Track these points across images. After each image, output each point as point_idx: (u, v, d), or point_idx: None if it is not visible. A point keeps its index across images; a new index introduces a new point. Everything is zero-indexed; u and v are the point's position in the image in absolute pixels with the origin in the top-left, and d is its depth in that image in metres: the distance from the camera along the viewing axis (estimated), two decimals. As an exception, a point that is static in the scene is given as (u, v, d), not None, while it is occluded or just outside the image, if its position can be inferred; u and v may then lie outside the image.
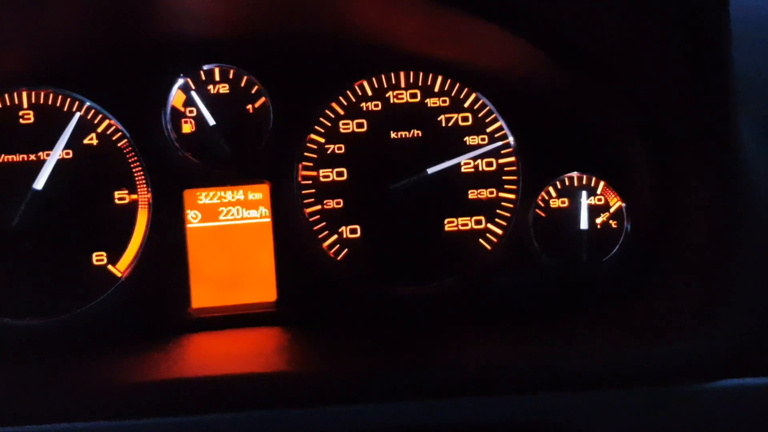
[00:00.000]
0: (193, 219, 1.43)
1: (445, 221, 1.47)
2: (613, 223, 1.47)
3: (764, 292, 1.18)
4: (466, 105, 1.47)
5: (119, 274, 1.41)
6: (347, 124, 1.46)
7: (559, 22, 1.30)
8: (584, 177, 1.47)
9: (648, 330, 1.29)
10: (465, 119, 1.47)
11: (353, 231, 1.46)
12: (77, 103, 1.40)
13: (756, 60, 1.34)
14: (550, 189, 1.47)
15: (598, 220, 1.47)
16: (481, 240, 1.47)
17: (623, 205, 1.46)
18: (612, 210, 1.47)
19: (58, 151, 1.38)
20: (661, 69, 1.27)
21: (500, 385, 1.18)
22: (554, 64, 1.40)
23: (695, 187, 1.28)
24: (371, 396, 1.17)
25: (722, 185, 1.22)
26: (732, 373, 1.21)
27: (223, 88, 1.42)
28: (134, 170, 1.41)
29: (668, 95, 1.29)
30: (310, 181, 1.45)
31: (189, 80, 1.42)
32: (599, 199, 1.47)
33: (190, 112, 1.42)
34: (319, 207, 1.45)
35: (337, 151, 1.46)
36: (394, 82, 1.46)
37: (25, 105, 1.39)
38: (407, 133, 1.46)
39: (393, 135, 1.46)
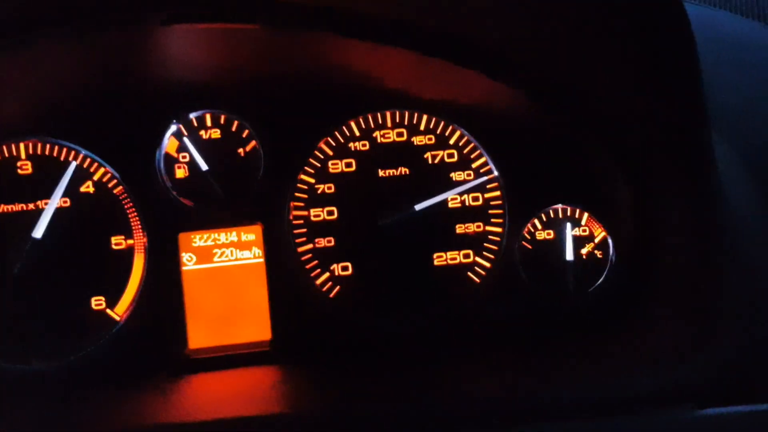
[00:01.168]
0: (188, 261, 1.47)
1: (434, 255, 1.50)
2: (598, 253, 1.50)
3: (748, 321, 1.21)
4: (451, 142, 1.51)
5: (118, 318, 1.44)
6: (336, 163, 1.50)
7: (536, 64, 1.35)
8: (568, 209, 1.51)
9: (635, 359, 1.31)
10: (451, 156, 1.51)
11: (345, 268, 1.50)
12: (73, 152, 1.45)
13: (727, 86, 1.38)
14: (536, 221, 1.51)
15: (584, 251, 1.50)
16: (469, 273, 1.51)
17: (607, 235, 1.50)
18: (597, 240, 1.50)
19: (56, 200, 1.42)
20: (637, 102, 1.31)
21: (494, 417, 1.21)
22: (534, 103, 1.44)
23: (676, 217, 1.31)
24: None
25: (702, 214, 1.25)
26: (718, 401, 1.23)
27: (215, 133, 1.47)
28: (130, 216, 1.45)
29: (646, 127, 1.33)
30: (302, 221, 1.49)
31: (181, 126, 1.46)
32: (584, 230, 1.51)
33: (183, 157, 1.46)
34: (310, 246, 1.49)
35: (327, 191, 1.50)
36: (380, 121, 1.51)
37: (23, 156, 1.44)
38: (395, 170, 1.50)
39: (381, 173, 1.50)
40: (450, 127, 1.51)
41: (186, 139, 1.46)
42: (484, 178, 1.51)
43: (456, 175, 1.51)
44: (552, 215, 1.51)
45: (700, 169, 1.24)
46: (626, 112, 1.35)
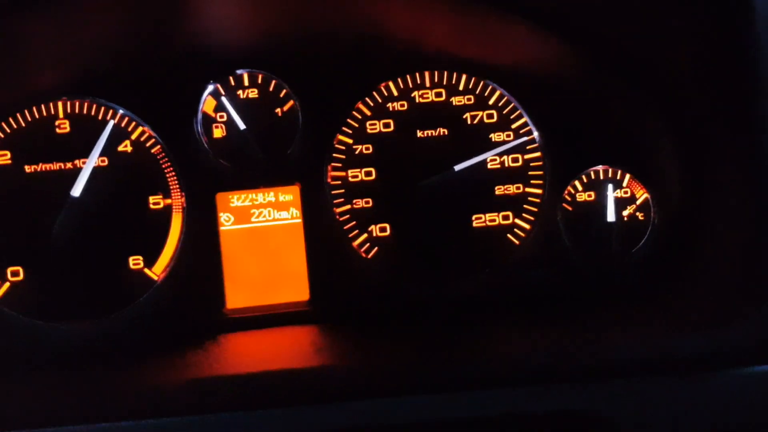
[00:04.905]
0: (225, 221, 1.46)
1: (473, 217, 1.49)
2: (639, 215, 1.48)
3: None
4: (490, 102, 1.49)
5: (155, 278, 1.44)
6: (374, 124, 1.48)
7: (585, 13, 1.32)
8: (610, 170, 1.48)
9: (677, 321, 1.29)
10: (490, 116, 1.49)
11: (383, 229, 1.48)
12: (111, 111, 1.44)
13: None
14: (576, 183, 1.49)
15: (625, 213, 1.48)
16: (509, 235, 1.49)
17: (649, 196, 1.47)
18: (638, 202, 1.48)
19: (94, 159, 1.41)
20: (688, 59, 1.29)
21: (535, 375, 1.20)
22: (578, 58, 1.42)
23: (723, 177, 1.29)
24: (408, 389, 1.18)
25: (751, 173, 1.22)
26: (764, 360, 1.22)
27: (253, 93, 1.46)
28: (168, 175, 1.45)
29: (695, 85, 1.30)
30: (340, 182, 1.48)
31: (219, 86, 1.45)
32: (625, 192, 1.48)
33: (221, 117, 1.45)
34: (348, 207, 1.48)
35: (365, 152, 1.48)
36: (419, 81, 1.49)
37: (61, 114, 1.43)
38: (433, 131, 1.49)
39: (419, 134, 1.48)
40: (489, 87, 1.49)
41: (224, 99, 1.45)
42: (524, 139, 1.49)
43: (495, 136, 1.49)
44: (593, 177, 1.48)
45: (755, 135, 1.21)
46: (681, 75, 1.32)
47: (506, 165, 1.49)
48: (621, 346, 1.24)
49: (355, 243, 1.48)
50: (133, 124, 1.45)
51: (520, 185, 1.49)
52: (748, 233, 1.24)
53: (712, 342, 1.21)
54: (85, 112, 1.44)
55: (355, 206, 1.48)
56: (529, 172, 1.50)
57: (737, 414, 1.22)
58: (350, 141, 1.48)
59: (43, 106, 1.43)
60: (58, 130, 1.43)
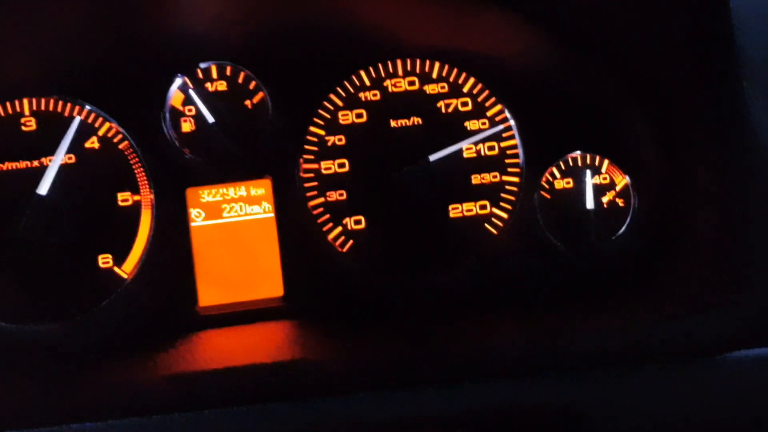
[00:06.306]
0: (196, 217, 1.43)
1: (450, 207, 1.46)
2: (620, 201, 1.45)
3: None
4: (464, 90, 1.47)
5: (125, 276, 1.41)
6: (346, 115, 1.46)
7: (556, 2, 1.30)
8: (587, 156, 1.45)
9: (662, 307, 1.27)
10: (464, 104, 1.47)
11: (357, 222, 1.45)
12: (77, 107, 1.41)
13: (760, 26, 1.32)
14: (554, 170, 1.45)
15: (605, 199, 1.45)
16: (486, 225, 1.46)
17: (629, 182, 1.44)
18: (618, 188, 1.45)
19: (61, 156, 1.39)
20: (663, 41, 1.27)
21: (514, 368, 1.17)
22: (552, 44, 1.39)
23: (701, 159, 1.26)
24: (383, 383, 1.16)
25: (729, 156, 1.20)
26: (747, 346, 1.19)
27: (221, 86, 1.43)
28: (136, 171, 1.42)
29: (671, 67, 1.28)
30: (312, 174, 1.45)
31: (187, 79, 1.43)
32: (604, 178, 1.45)
33: (189, 110, 1.43)
34: (322, 200, 1.45)
35: (337, 143, 1.45)
36: (391, 70, 1.46)
37: (27, 112, 1.41)
38: (407, 121, 1.46)
39: (393, 124, 1.46)
40: (463, 75, 1.46)
41: (192, 92, 1.42)
42: (500, 127, 1.46)
43: (470, 124, 1.46)
44: (571, 163, 1.45)
45: (727, 109, 1.19)
46: (654, 58, 1.30)
47: (482, 153, 1.46)
48: (602, 336, 1.21)
49: (330, 236, 1.45)
50: (100, 120, 1.42)
51: (497, 174, 1.46)
52: (728, 218, 1.21)
53: (694, 329, 1.19)
54: (51, 109, 1.41)
55: (328, 199, 1.45)
56: (506, 160, 1.47)
57: (722, 401, 1.20)
58: (322, 132, 1.45)
59: (8, 104, 1.40)
60: (23, 128, 1.41)
